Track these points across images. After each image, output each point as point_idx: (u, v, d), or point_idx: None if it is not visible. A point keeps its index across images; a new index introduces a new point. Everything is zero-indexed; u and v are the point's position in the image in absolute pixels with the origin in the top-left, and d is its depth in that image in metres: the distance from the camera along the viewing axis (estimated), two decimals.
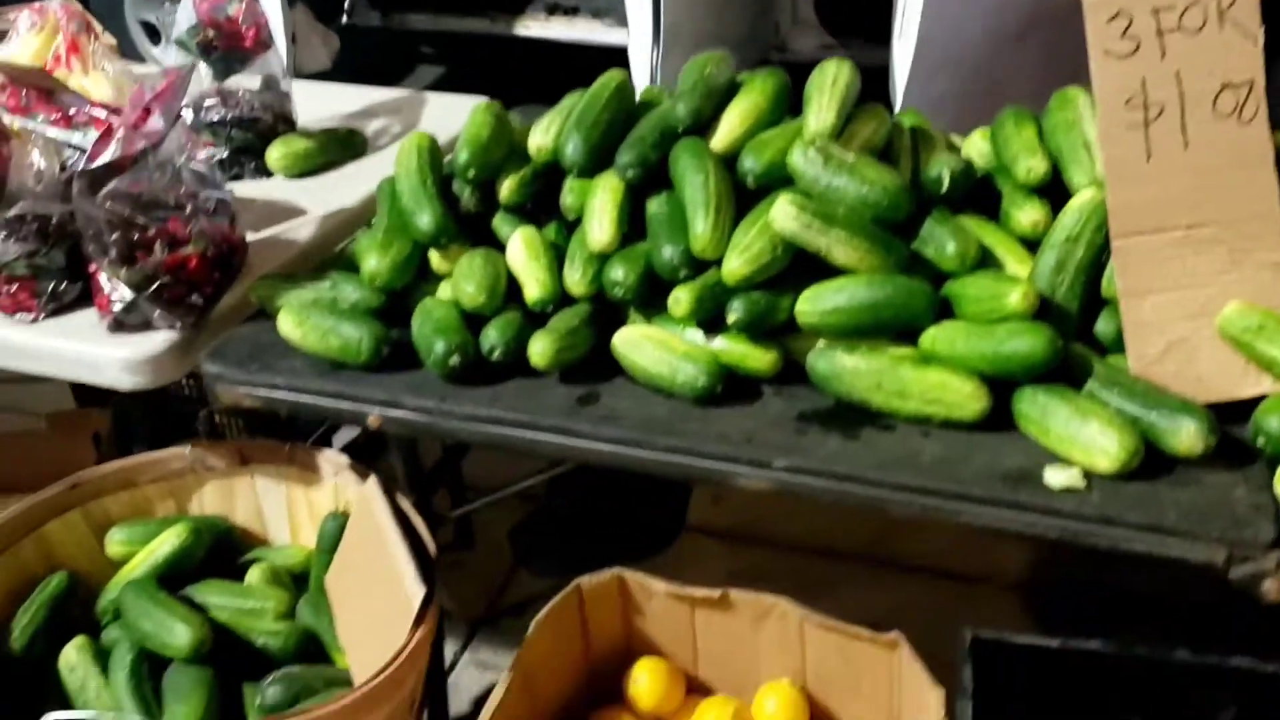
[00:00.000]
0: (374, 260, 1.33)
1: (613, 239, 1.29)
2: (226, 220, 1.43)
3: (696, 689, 1.42)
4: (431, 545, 1.33)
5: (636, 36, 3.44)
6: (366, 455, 1.57)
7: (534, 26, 4.60)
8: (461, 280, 1.31)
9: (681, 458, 1.16)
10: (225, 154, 1.73)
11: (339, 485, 1.51)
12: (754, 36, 4.07)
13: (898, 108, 1.94)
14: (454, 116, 1.84)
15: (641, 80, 3.46)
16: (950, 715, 1.16)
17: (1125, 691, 1.20)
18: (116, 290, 1.34)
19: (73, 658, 1.36)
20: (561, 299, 1.31)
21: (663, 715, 1.39)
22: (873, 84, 1.39)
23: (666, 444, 1.16)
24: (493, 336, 1.26)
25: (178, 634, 1.30)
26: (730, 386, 1.21)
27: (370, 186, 1.57)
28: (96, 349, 1.35)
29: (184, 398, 2.30)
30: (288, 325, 1.32)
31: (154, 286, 1.34)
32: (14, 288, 1.40)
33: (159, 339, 1.36)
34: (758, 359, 1.23)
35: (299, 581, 1.50)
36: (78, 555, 1.48)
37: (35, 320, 1.40)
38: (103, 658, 1.37)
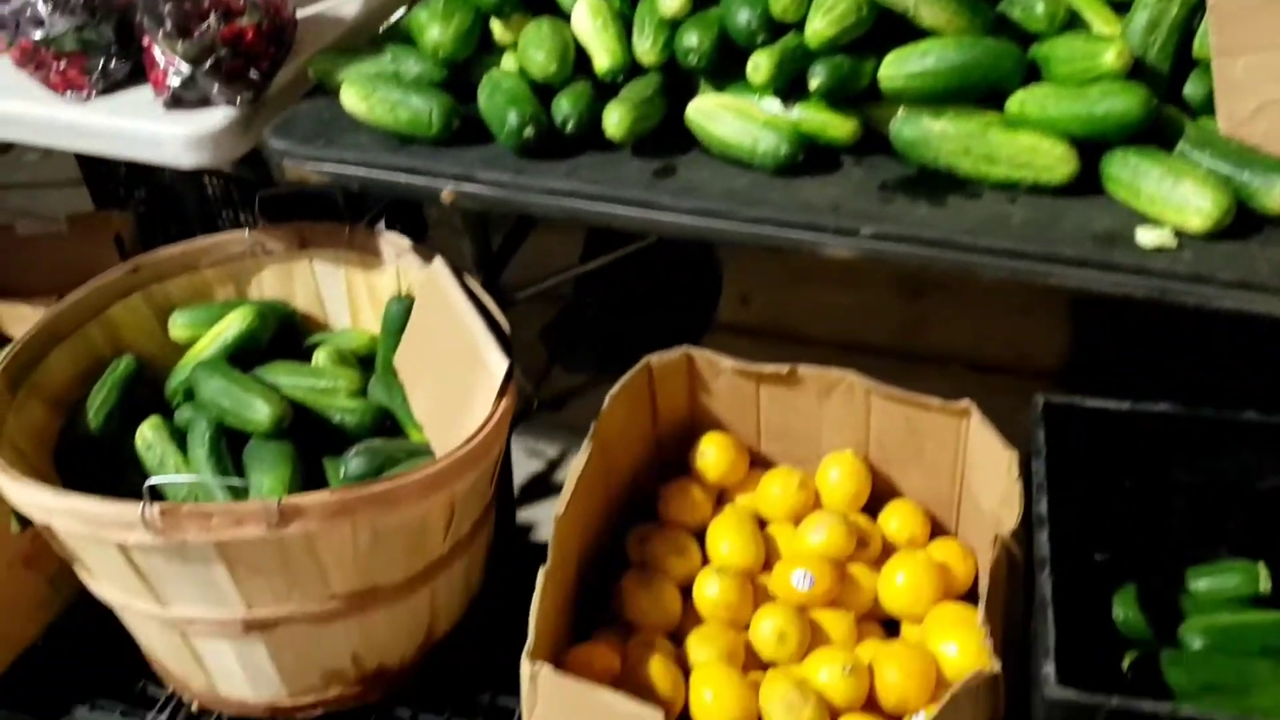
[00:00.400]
0: (436, 31, 1.29)
1: (685, 4, 1.25)
2: None
3: (759, 462, 1.46)
4: (504, 323, 1.34)
5: None
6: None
7: None
8: (530, 49, 1.27)
9: (766, 228, 1.15)
10: None
11: (401, 268, 1.50)
12: None
13: None
14: None
15: None
16: (1022, 477, 1.20)
17: (1192, 453, 1.24)
18: (173, 65, 1.30)
19: (149, 435, 1.38)
20: (630, 69, 1.28)
21: (728, 486, 1.43)
22: None
23: (750, 214, 1.16)
24: (565, 107, 1.24)
25: (257, 409, 1.32)
26: (809, 157, 1.20)
27: None
28: (156, 126, 1.32)
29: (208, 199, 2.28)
30: (352, 99, 1.29)
31: (211, 60, 1.30)
32: (63, 64, 1.35)
33: (219, 115, 1.32)
34: (838, 127, 1.21)
35: (364, 364, 1.51)
36: (142, 339, 1.49)
37: (87, 98, 1.36)
38: (178, 436, 1.39)
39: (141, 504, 1.10)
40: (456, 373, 1.33)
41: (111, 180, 2.40)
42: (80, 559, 1.25)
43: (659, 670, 1.16)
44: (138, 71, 1.38)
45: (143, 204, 2.38)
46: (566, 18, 1.32)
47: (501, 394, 1.23)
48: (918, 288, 2.50)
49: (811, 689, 1.14)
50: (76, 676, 1.46)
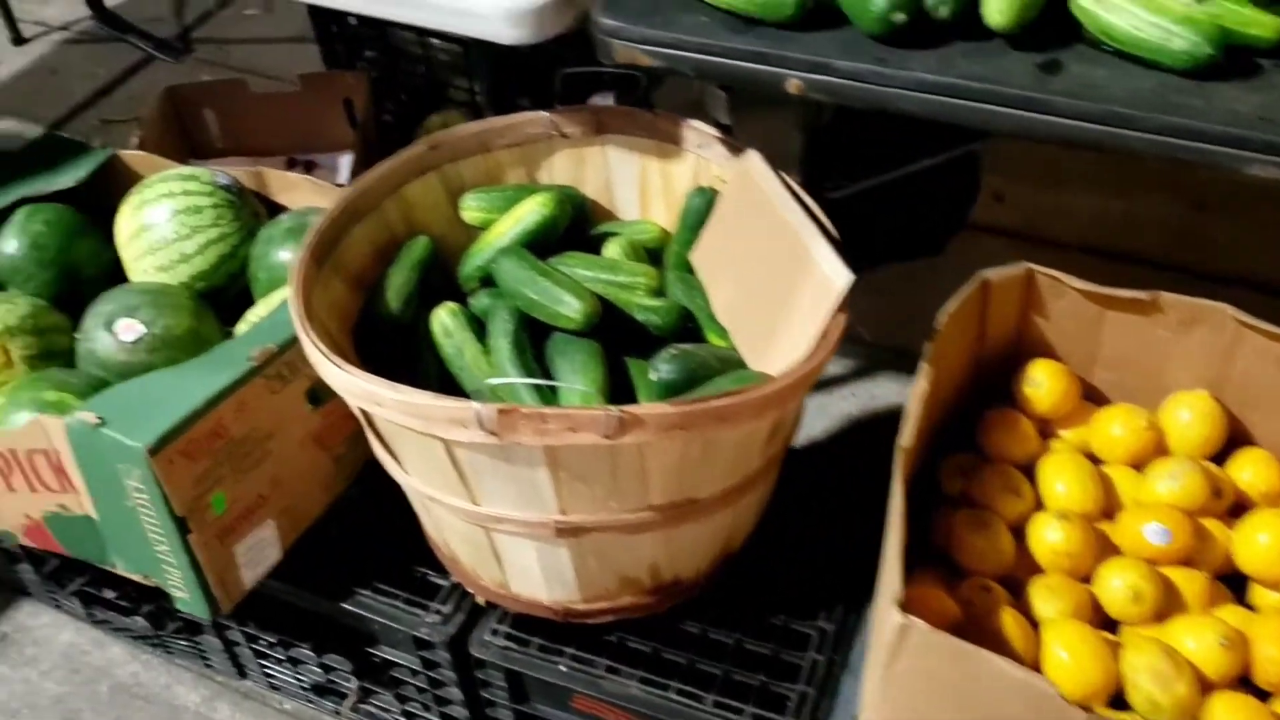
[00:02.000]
0: None
1: None
2: None
3: (1089, 395, 1.33)
4: (832, 227, 1.23)
5: None
6: None
7: None
8: None
9: (1181, 140, 1.00)
10: None
11: (702, 159, 1.40)
12: None
13: None
14: None
15: None
16: None
17: None
18: None
19: (447, 322, 1.33)
20: None
21: (1056, 419, 1.31)
22: None
23: (1163, 123, 1.01)
24: None
25: (568, 304, 1.26)
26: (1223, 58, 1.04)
27: None
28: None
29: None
30: None
31: None
32: None
33: None
34: (1262, 25, 1.05)
35: (652, 258, 1.43)
36: (434, 219, 1.44)
37: None
38: (474, 324, 1.34)
39: (476, 403, 1.05)
40: (774, 278, 1.23)
41: (341, 40, 2.36)
42: (394, 448, 1.22)
43: (1010, 624, 1.07)
44: None
45: (372, 66, 2.34)
46: None
47: (841, 308, 1.13)
48: (1201, 199, 2.29)
49: (1182, 659, 1.04)
50: (357, 559, 1.46)
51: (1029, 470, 1.27)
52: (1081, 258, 2.25)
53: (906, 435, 1.10)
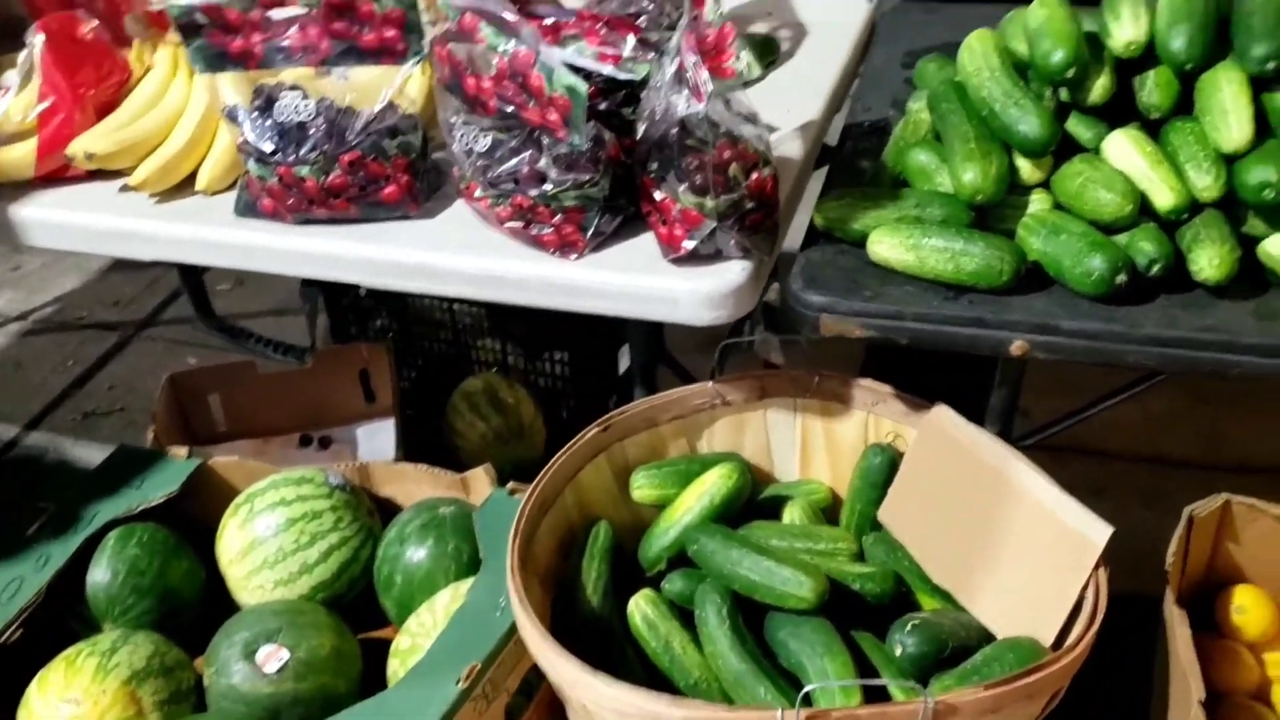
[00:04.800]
0: (972, 173, 1.23)
1: (1250, 137, 1.18)
2: (766, 131, 1.31)
3: None
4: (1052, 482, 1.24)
5: None
6: None
7: None
8: (1096, 189, 1.20)
9: None
10: None
11: (873, 416, 1.41)
12: None
13: None
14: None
15: None
16: None
17: None
18: (695, 221, 1.22)
19: (648, 612, 1.27)
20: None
21: (1264, 643, 1.32)
22: None
23: None
24: (1149, 249, 1.17)
25: (799, 583, 1.22)
26: None
27: (799, 100, 1.46)
28: (671, 283, 1.24)
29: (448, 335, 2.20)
30: (892, 249, 1.22)
31: (736, 214, 1.22)
32: (559, 219, 1.28)
33: (735, 269, 1.25)
34: None
35: (828, 517, 1.42)
36: (603, 501, 1.40)
37: (580, 255, 1.29)
38: (675, 611, 1.28)
39: (782, 710, 0.99)
40: (1001, 533, 1.22)
41: (354, 310, 2.33)
42: None
43: None
44: (624, 222, 1.31)
45: (390, 333, 2.31)
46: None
47: (1101, 563, 1.13)
48: (1202, 393, 2.42)
49: None
50: None
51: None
52: (1120, 465, 2.33)
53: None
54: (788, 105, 1.55)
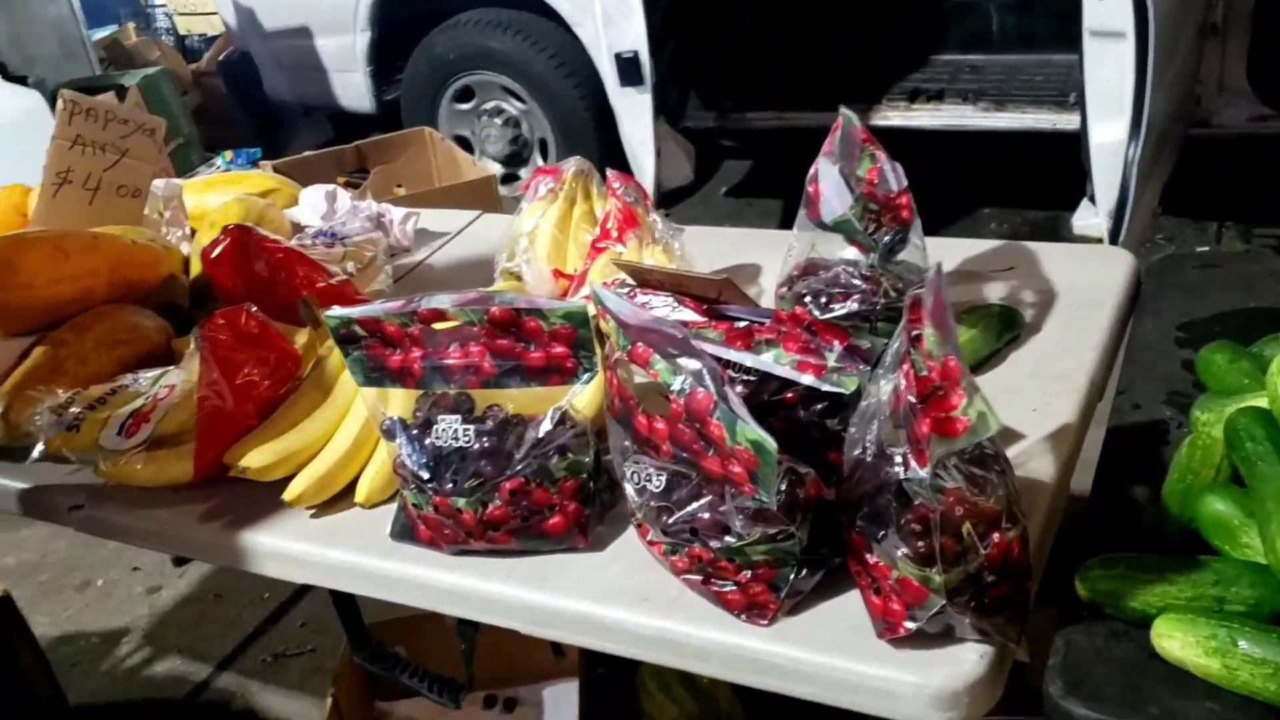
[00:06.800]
0: None
1: None
2: (1010, 472, 1.05)
3: None
4: None
5: (1104, 127, 3.01)
6: None
7: (894, 116, 4.23)
8: None
9: None
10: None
11: None
12: (1180, 114, 3.56)
13: None
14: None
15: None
16: None
17: None
18: (918, 596, 0.96)
19: None
20: None
21: None
22: None
23: None
24: None
25: None
26: None
27: (1047, 395, 1.25)
28: (890, 671, 0.98)
29: None
30: (1188, 648, 0.92)
31: (973, 589, 0.96)
32: (746, 576, 1.05)
33: (972, 657, 0.97)
34: None
35: None
36: None
37: (771, 621, 1.05)
38: None
39: None
40: None
41: None
42: None
43: None
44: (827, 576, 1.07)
45: None
46: None
47: None
48: None
49: None
50: None
51: None
52: None
53: None
54: (1032, 403, 1.28)
